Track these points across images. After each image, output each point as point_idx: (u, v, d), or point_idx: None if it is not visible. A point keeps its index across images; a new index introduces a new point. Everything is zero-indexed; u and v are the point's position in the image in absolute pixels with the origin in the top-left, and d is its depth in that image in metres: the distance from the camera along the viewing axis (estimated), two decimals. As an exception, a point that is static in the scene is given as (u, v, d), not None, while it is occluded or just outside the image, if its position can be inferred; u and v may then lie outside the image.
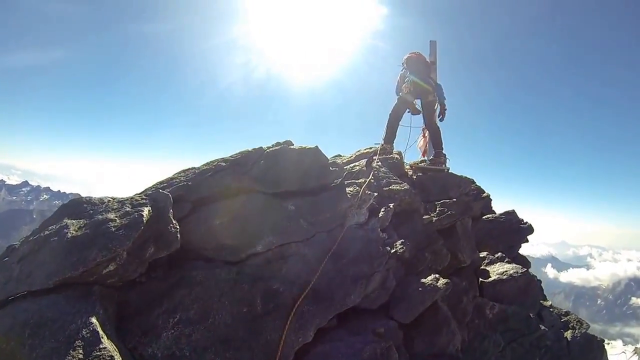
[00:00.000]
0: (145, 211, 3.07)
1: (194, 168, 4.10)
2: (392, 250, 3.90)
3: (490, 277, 6.13)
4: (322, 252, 3.53)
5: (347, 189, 4.44)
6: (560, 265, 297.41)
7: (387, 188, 5.09)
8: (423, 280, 3.90)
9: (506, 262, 6.69)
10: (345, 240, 3.72)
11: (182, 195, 3.65)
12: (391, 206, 4.62)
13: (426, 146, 7.65)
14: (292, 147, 4.38)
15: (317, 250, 3.55)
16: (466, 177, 7.28)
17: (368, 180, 4.81)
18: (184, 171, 4.10)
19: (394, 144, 7.06)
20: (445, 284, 3.92)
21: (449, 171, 6.91)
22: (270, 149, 4.25)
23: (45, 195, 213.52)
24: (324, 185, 4.29)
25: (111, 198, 3.37)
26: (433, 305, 3.84)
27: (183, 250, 3.21)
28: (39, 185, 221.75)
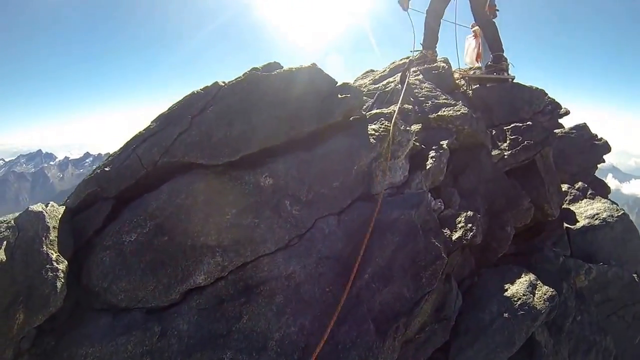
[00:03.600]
0: None
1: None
2: (455, 236, 2.19)
3: (578, 222, 4.62)
4: (328, 264, 1.90)
5: (370, 126, 2.69)
6: (622, 176, 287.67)
7: (435, 115, 3.37)
8: (507, 290, 2.21)
9: (589, 195, 5.15)
10: (372, 231, 1.99)
11: (97, 192, 2.19)
12: (445, 145, 2.94)
13: (479, 49, 5.75)
14: (273, 72, 2.56)
15: (316, 261, 1.91)
16: (537, 88, 5.37)
17: (399, 104, 2.98)
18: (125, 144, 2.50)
19: (436, 50, 5.31)
20: (548, 297, 2.23)
21: (514, 81, 5.13)
22: (231, 83, 2.48)
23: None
24: (328, 127, 2.57)
25: None
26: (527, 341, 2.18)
27: (86, 297, 1.88)
28: (99, 154, 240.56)
